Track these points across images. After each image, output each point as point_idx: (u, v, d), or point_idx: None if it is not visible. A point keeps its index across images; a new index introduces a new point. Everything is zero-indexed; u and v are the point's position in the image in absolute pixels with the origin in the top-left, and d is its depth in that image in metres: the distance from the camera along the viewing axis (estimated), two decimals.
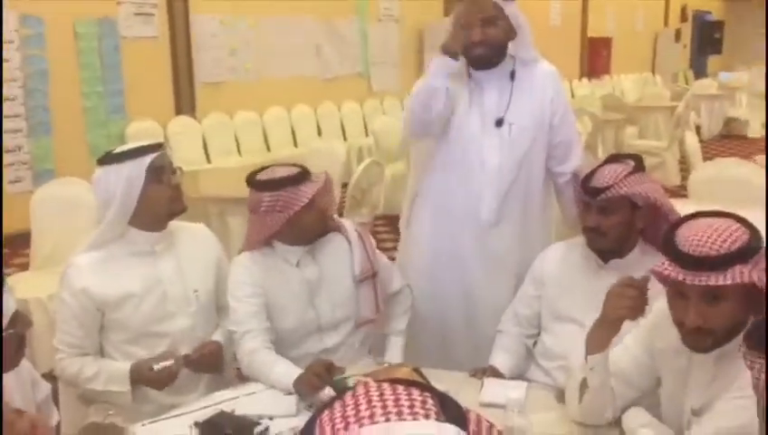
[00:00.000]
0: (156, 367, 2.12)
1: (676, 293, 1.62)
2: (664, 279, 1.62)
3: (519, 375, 2.33)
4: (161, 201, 2.20)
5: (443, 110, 2.49)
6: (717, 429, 1.59)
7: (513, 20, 2.49)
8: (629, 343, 1.87)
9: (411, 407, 0.82)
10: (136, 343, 2.22)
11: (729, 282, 1.51)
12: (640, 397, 1.87)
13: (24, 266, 4.33)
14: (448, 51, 2.45)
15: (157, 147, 2.22)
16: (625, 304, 1.79)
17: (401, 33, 10.33)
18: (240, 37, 8.25)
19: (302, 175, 2.21)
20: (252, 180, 2.23)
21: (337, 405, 0.87)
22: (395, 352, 2.45)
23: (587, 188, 2.19)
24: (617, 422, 1.85)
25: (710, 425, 1.60)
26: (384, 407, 0.82)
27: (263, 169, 2.27)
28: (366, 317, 2.36)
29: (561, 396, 2.00)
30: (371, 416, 0.81)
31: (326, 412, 0.86)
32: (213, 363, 2.26)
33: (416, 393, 0.85)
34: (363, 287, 2.34)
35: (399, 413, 0.82)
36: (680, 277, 1.55)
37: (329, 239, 2.35)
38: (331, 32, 9.30)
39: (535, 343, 2.41)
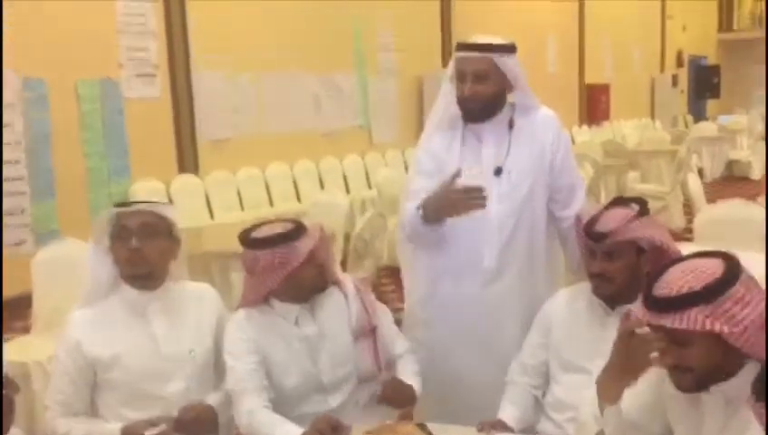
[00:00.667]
0: (147, 434, 2.06)
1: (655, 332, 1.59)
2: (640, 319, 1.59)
3: (528, 427, 2.27)
4: (119, 260, 2.19)
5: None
6: None
7: (510, 74, 2.48)
8: (640, 386, 1.81)
9: None
10: (128, 405, 2.17)
11: (683, 326, 1.46)
12: None
13: (27, 329, 4.29)
14: (430, 215, 2.42)
15: (127, 204, 2.27)
16: (651, 350, 1.61)
17: (400, 84, 10.42)
18: (241, 94, 8.33)
19: (298, 230, 2.18)
20: (246, 239, 2.18)
21: None
22: (407, 370, 2.35)
23: (591, 233, 2.16)
24: None
25: None
26: None
27: (255, 226, 2.23)
28: (367, 372, 2.29)
29: None
30: None
31: None
32: (203, 427, 2.19)
33: None
34: (362, 342, 2.28)
35: None
36: (644, 318, 1.53)
37: (327, 294, 2.30)
38: (330, 85, 9.39)
39: (544, 394, 2.36)
